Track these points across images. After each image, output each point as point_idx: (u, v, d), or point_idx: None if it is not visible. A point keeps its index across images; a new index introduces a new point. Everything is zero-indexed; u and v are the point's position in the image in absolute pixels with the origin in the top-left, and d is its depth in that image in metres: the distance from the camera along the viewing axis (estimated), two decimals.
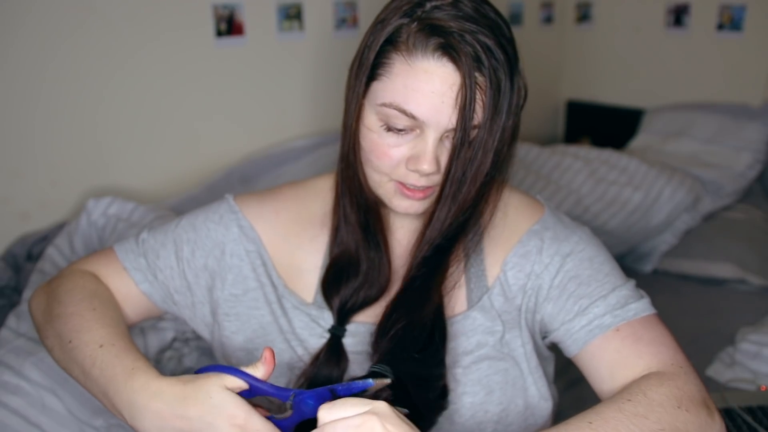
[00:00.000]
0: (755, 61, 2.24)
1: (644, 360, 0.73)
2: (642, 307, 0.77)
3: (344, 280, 0.80)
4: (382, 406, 0.56)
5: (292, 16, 1.77)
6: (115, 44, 1.45)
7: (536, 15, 2.58)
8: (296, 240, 0.85)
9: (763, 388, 1.27)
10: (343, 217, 0.81)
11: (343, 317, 0.80)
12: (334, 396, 0.62)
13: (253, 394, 0.65)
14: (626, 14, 2.55)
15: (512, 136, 0.73)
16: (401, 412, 0.59)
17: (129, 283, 0.85)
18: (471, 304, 0.81)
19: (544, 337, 0.83)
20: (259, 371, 0.65)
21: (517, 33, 0.78)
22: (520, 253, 0.82)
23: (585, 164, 1.97)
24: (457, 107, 0.67)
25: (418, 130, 0.70)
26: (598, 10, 2.64)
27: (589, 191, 1.88)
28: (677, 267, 1.84)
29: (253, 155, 1.75)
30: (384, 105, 0.69)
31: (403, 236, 0.84)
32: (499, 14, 0.70)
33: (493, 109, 0.68)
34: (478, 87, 0.67)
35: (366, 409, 0.56)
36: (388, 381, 0.63)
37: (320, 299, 0.82)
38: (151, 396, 0.65)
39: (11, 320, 1.14)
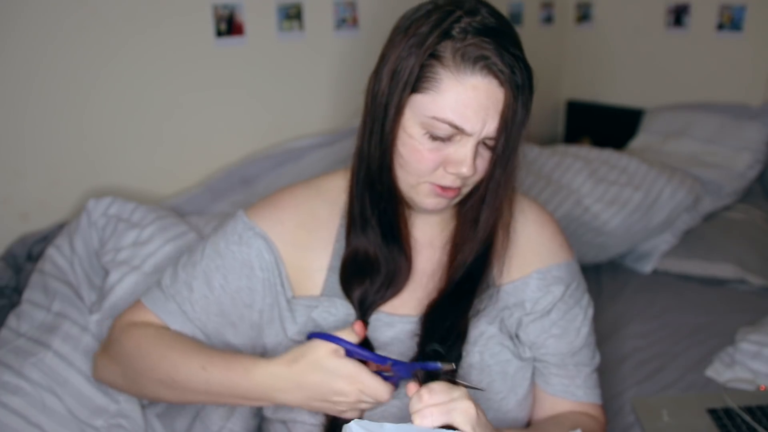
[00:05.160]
0: (755, 61, 2.24)
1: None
2: (599, 396, 0.94)
3: (366, 278, 0.84)
4: (465, 392, 0.68)
5: (292, 16, 1.77)
6: (114, 44, 1.45)
7: (536, 15, 2.58)
8: (304, 243, 0.88)
9: (763, 388, 1.27)
10: (360, 216, 0.84)
11: (364, 311, 0.85)
12: (415, 375, 0.75)
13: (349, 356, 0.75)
14: (626, 14, 2.55)
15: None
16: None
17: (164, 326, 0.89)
18: (479, 292, 0.86)
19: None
20: (351, 336, 0.75)
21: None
22: (543, 277, 0.89)
23: (585, 164, 1.97)
24: (501, 118, 0.73)
25: (458, 137, 0.75)
26: (598, 10, 2.64)
27: (589, 191, 1.88)
28: (677, 267, 1.84)
29: (253, 155, 1.75)
30: (435, 119, 0.74)
31: (421, 235, 0.89)
32: (510, 23, 0.76)
33: (524, 117, 0.75)
34: (514, 98, 0.73)
35: (460, 393, 0.67)
36: (452, 366, 0.74)
37: (329, 290, 0.87)
38: (274, 379, 0.76)
39: (11, 320, 1.14)
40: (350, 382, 0.73)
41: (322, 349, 0.74)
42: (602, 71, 2.69)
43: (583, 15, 2.68)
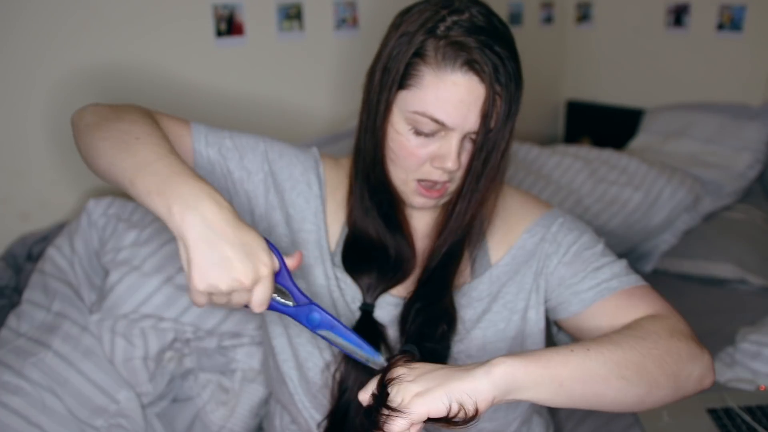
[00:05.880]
0: (755, 61, 2.24)
1: (641, 310, 0.81)
2: (638, 279, 0.86)
3: (374, 265, 0.87)
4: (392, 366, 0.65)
5: (292, 16, 1.77)
6: (114, 44, 1.45)
7: (536, 15, 2.58)
8: (327, 206, 0.93)
9: (762, 387, 1.27)
10: (361, 205, 0.87)
11: (372, 295, 0.87)
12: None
13: (276, 281, 0.69)
14: (626, 14, 2.55)
15: (511, 137, 0.81)
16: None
17: (190, 161, 0.84)
18: (475, 276, 0.89)
19: (546, 301, 0.90)
20: (289, 261, 0.70)
21: (517, 33, 0.80)
22: (539, 226, 0.90)
23: (585, 164, 1.97)
24: (480, 114, 0.75)
25: (442, 132, 0.78)
26: (598, 10, 2.64)
27: (589, 191, 1.88)
28: (677, 267, 1.84)
29: None
30: (416, 113, 0.76)
31: (421, 226, 0.92)
32: (503, 23, 0.78)
33: (507, 114, 0.77)
34: (496, 95, 0.75)
35: (397, 389, 0.63)
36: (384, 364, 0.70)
37: (337, 263, 0.90)
38: (214, 201, 0.65)
39: (11, 320, 1.14)
40: (261, 266, 0.64)
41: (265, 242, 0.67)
42: (602, 71, 2.69)
43: (583, 15, 2.68)
